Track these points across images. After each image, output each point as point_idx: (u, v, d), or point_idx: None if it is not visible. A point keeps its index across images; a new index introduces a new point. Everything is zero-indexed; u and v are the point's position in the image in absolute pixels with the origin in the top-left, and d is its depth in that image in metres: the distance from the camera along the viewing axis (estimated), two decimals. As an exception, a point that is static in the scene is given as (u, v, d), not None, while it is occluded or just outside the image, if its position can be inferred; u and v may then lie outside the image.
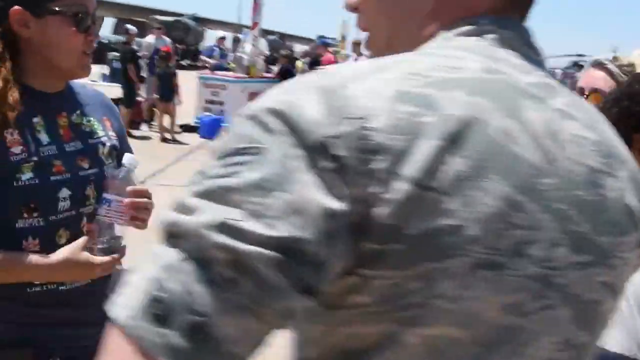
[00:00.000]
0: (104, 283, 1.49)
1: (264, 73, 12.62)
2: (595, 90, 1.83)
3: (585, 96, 1.84)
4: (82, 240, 1.39)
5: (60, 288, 1.45)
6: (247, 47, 12.03)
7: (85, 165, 1.49)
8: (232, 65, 12.40)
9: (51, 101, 1.49)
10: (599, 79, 1.86)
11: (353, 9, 0.79)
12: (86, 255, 1.37)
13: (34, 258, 1.36)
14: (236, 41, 14.21)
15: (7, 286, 1.39)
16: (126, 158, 1.46)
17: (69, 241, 1.43)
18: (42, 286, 1.43)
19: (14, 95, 1.37)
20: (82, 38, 1.45)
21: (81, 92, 1.59)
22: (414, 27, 0.72)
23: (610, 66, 1.85)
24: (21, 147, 1.39)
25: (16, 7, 1.38)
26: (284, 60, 12.82)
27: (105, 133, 1.58)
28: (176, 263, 0.52)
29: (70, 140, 1.49)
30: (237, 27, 28.44)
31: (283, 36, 35.24)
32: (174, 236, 0.54)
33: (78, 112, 1.54)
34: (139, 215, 1.46)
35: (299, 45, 33.01)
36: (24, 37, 1.41)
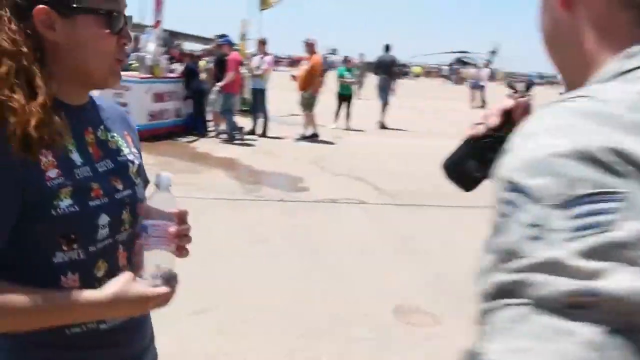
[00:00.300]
0: (138, 317, 1.36)
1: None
2: None
3: None
4: (129, 273, 1.25)
5: (101, 327, 1.30)
6: (151, 46, 11.61)
7: (120, 186, 1.34)
8: (135, 64, 11.92)
9: (76, 115, 1.31)
10: None
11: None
12: (138, 288, 1.23)
13: (82, 296, 1.20)
14: (135, 40, 13.67)
15: (43, 330, 1.21)
16: (162, 178, 1.32)
17: (107, 273, 1.29)
18: (82, 326, 1.27)
19: (61, 115, 1.22)
20: (115, 41, 1.30)
21: (100, 105, 1.43)
22: (585, 55, 0.72)
23: None
24: (56, 170, 1.22)
25: (40, 6, 1.20)
26: (187, 58, 12.48)
27: (129, 150, 1.43)
28: (601, 339, 0.47)
29: (100, 159, 1.33)
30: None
31: (173, 34, 34.33)
32: (581, 307, 0.48)
33: (102, 127, 1.38)
34: (181, 242, 1.33)
35: (188, 43, 32.30)
36: (49, 41, 1.23)
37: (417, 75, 61.79)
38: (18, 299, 1.14)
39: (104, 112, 1.42)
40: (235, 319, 4.03)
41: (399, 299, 4.67)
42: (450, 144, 1.13)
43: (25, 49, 1.19)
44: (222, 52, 11.91)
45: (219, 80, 11.62)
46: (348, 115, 14.73)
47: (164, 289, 1.25)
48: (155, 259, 1.28)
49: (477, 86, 26.36)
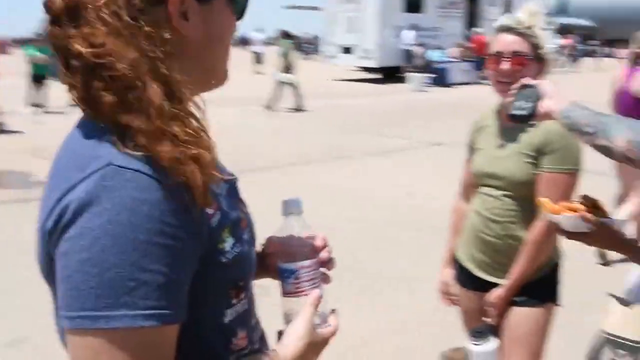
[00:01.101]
0: None
1: None
2: (516, 53, 2.11)
3: (508, 59, 2.10)
4: (308, 314, 1.04)
5: None
6: None
7: (245, 210, 1.08)
8: None
9: None
10: (514, 42, 2.09)
11: None
12: (320, 332, 1.05)
13: (280, 357, 0.98)
14: None
15: None
16: (292, 202, 1.11)
17: (257, 320, 1.08)
18: None
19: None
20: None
21: None
22: None
23: (522, 29, 2.11)
24: (214, 204, 0.94)
25: None
26: None
27: (222, 163, 1.15)
28: None
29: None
30: None
31: None
32: None
33: None
34: (328, 269, 1.15)
35: None
36: (178, 35, 0.91)
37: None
38: None
39: None
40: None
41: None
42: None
43: (162, 55, 0.88)
44: None
45: None
46: (45, 96, 13.43)
47: (335, 329, 1.08)
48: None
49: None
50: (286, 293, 1.08)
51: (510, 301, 2.18)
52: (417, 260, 4.94)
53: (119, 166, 0.83)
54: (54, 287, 0.89)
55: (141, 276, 0.80)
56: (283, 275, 1.08)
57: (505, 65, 2.09)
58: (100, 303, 0.79)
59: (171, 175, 0.85)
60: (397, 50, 20.85)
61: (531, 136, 2.09)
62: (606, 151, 1.49)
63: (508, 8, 23.74)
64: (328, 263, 1.15)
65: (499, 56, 2.12)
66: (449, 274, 2.47)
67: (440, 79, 19.94)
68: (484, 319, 2.24)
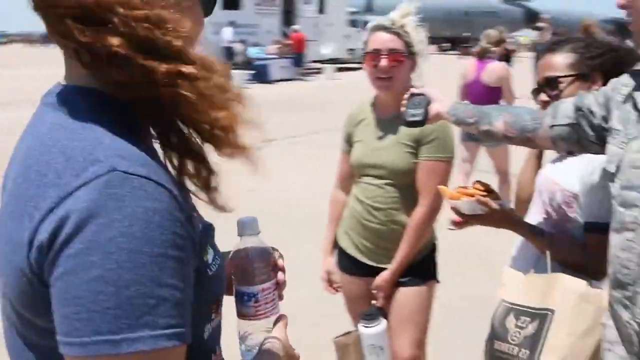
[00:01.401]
0: None
1: None
2: (392, 50, 2.24)
3: (385, 56, 2.23)
4: (283, 331, 1.05)
5: None
6: None
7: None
8: None
9: None
10: (390, 40, 2.24)
11: (622, 6, 1.29)
12: (293, 351, 1.06)
13: None
14: None
15: None
16: (248, 221, 1.09)
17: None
18: None
19: None
20: None
21: None
22: None
23: (396, 28, 2.25)
24: (195, 212, 0.89)
25: None
26: None
27: None
28: None
29: None
30: None
31: None
32: None
33: None
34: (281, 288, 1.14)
35: None
36: None
37: None
38: None
39: None
40: None
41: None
42: None
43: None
44: None
45: None
46: None
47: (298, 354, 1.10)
48: (268, 324, 1.07)
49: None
50: (245, 315, 1.06)
51: (396, 283, 2.32)
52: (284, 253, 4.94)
53: (124, 172, 0.75)
54: (20, 305, 0.81)
55: (161, 292, 0.74)
56: (242, 299, 1.06)
57: (383, 62, 2.22)
58: (120, 325, 0.71)
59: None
60: (216, 48, 20.74)
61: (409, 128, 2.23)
62: (489, 134, 1.69)
63: (322, 6, 24.64)
64: (282, 283, 1.14)
65: (376, 54, 2.24)
66: (331, 262, 2.55)
67: (261, 75, 20.13)
68: (373, 302, 2.35)
